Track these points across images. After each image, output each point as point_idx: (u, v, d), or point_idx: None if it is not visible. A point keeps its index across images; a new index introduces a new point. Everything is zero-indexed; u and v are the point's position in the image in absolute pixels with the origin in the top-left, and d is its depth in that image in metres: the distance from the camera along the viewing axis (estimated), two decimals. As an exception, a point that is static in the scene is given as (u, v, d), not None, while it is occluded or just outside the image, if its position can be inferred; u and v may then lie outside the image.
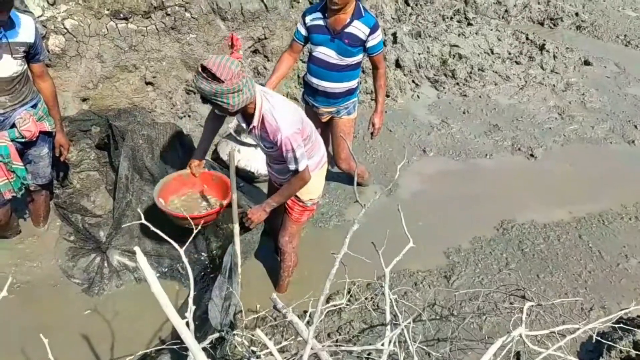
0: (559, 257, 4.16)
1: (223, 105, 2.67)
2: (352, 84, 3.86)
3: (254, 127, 2.87)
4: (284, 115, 2.81)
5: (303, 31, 3.72)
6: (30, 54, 3.25)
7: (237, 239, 3.15)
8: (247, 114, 2.85)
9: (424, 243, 3.48)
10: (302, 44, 3.79)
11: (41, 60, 3.36)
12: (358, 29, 3.58)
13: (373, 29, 3.59)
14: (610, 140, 5.56)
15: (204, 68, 2.58)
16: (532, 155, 5.25)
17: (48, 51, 4.31)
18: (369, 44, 3.65)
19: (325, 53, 3.69)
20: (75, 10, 4.53)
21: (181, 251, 2.44)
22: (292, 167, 2.91)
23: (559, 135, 5.56)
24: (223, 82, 2.56)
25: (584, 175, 5.07)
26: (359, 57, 3.75)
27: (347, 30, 3.59)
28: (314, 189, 3.21)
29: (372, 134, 4.04)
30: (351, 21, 3.57)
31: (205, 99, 2.71)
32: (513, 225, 4.43)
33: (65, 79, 4.52)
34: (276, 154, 2.98)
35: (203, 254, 3.76)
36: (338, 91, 3.84)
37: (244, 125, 3.00)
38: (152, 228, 2.46)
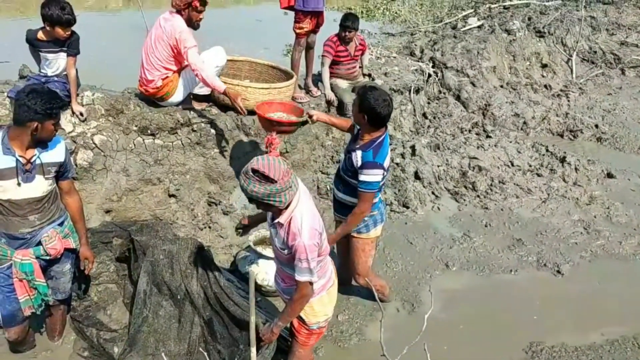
0: (593, 384, 3.93)
1: (276, 204, 2.67)
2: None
3: (279, 223, 2.82)
4: (311, 223, 2.78)
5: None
6: (60, 172, 3.32)
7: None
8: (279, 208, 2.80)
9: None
10: None
11: (69, 178, 3.44)
12: (357, 157, 3.63)
13: (363, 166, 3.61)
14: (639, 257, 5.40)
15: (254, 171, 2.60)
16: (558, 271, 5.08)
17: (75, 164, 4.44)
18: (359, 177, 3.65)
19: (342, 159, 3.85)
20: (104, 127, 4.73)
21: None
22: (297, 275, 2.83)
23: (586, 251, 5.41)
24: (276, 182, 2.59)
25: (614, 293, 4.85)
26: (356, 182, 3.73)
27: (350, 153, 3.71)
28: (320, 312, 3.12)
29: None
30: (358, 148, 3.66)
31: (254, 201, 2.70)
32: (542, 348, 4.21)
33: (90, 192, 4.62)
34: (286, 257, 2.90)
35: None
36: (342, 202, 3.89)
37: (268, 217, 2.96)
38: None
